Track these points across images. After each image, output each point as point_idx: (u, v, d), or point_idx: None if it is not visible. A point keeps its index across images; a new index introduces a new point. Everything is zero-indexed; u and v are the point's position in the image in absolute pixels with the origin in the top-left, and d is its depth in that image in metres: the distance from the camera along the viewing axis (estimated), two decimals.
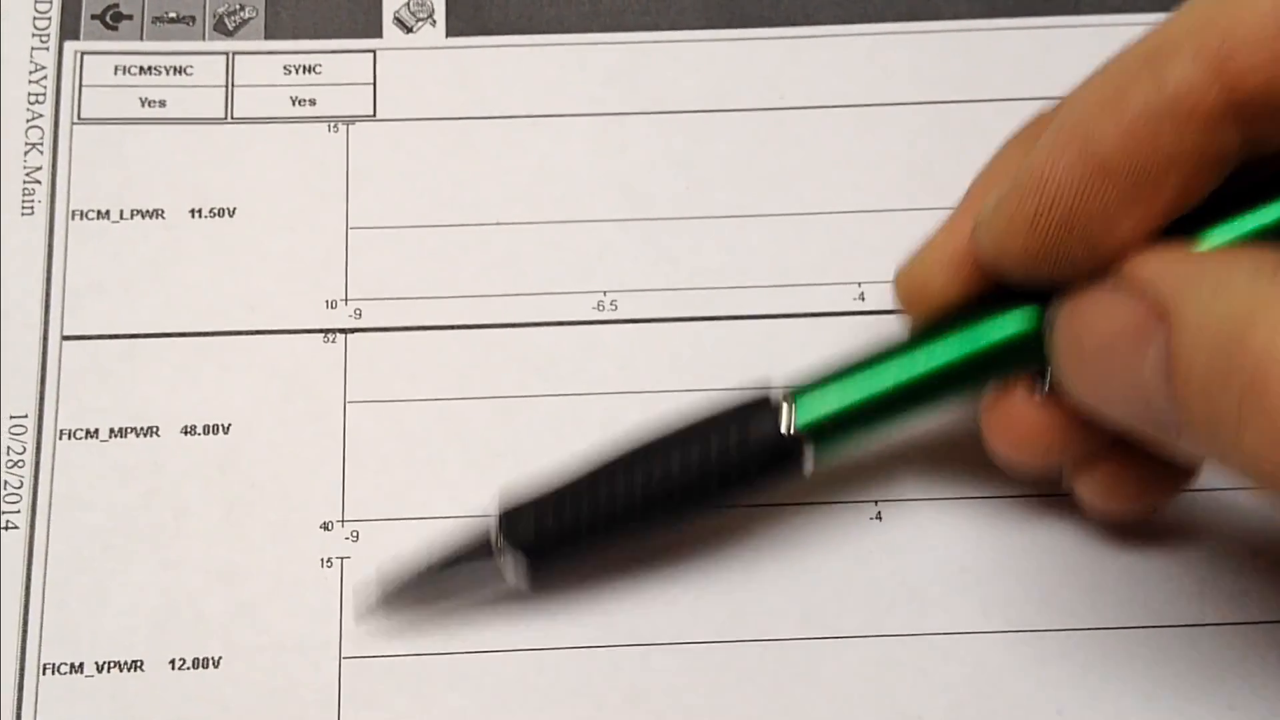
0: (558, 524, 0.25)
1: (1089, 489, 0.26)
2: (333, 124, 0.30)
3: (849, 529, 0.27)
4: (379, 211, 0.29)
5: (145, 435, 0.27)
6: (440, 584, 0.26)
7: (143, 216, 0.29)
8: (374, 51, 0.30)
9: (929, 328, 0.25)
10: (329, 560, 0.27)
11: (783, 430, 0.24)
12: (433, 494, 0.27)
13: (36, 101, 0.30)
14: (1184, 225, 0.23)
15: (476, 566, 0.25)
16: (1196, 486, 0.27)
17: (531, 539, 0.25)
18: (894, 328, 0.28)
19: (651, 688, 0.26)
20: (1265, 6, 0.21)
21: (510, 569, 0.25)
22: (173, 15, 0.30)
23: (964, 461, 0.28)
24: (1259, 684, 0.26)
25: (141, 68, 0.30)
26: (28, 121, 0.29)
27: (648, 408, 0.28)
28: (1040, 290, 0.24)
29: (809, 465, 0.25)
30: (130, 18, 0.30)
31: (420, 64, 0.30)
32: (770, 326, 0.29)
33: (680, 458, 0.25)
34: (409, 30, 0.31)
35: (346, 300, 0.28)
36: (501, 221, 0.29)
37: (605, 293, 0.29)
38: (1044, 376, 0.25)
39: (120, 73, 0.30)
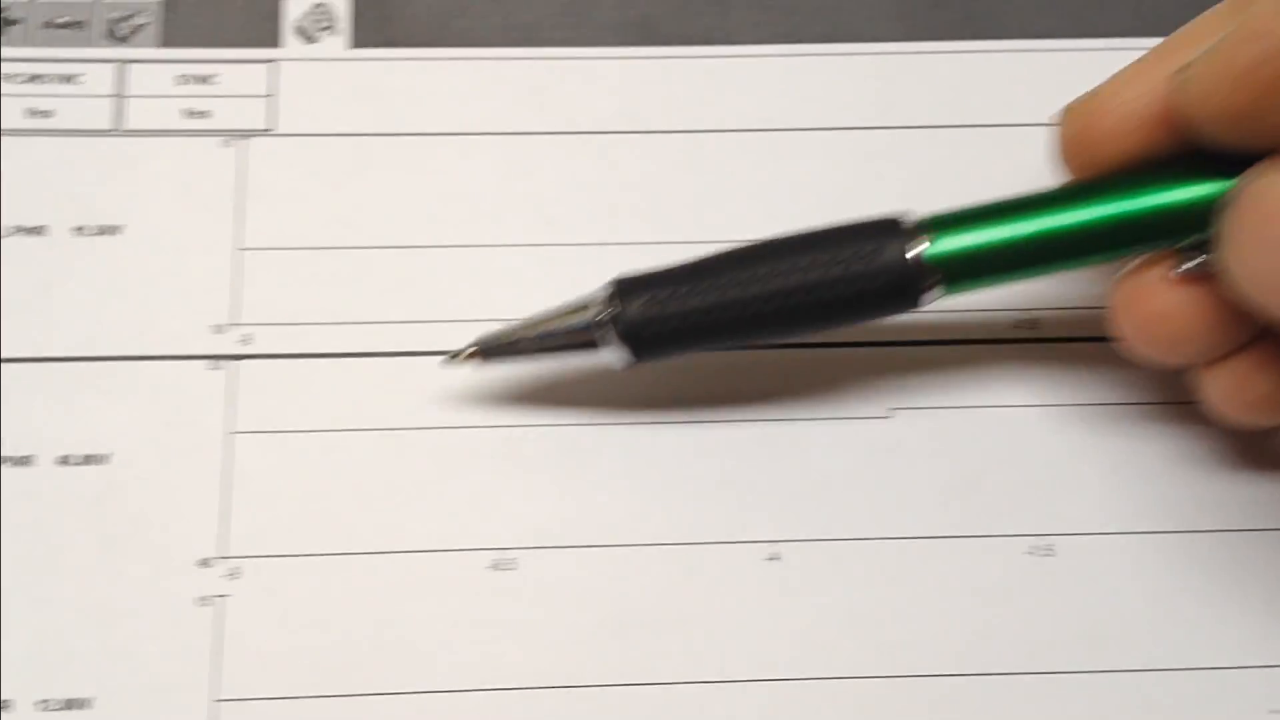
0: (664, 307, 0.25)
1: (1216, 388, 0.25)
2: (228, 138, 0.29)
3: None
4: (275, 231, 0.28)
5: (19, 465, 0.26)
6: (540, 345, 0.26)
7: (24, 233, 0.28)
8: (273, 62, 0.29)
9: (1085, 180, 0.24)
10: (206, 599, 0.26)
11: (909, 257, 0.24)
12: (321, 530, 0.26)
13: None
14: None
15: (579, 336, 0.25)
16: None
17: (637, 318, 0.25)
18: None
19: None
20: None
21: (611, 345, 0.25)
22: (63, 20, 0.29)
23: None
24: None
25: (30, 75, 0.29)
26: None
27: (548, 440, 0.27)
28: (1228, 158, 0.22)
29: (930, 299, 0.24)
30: (18, 22, 0.29)
31: (322, 76, 0.29)
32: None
33: (801, 263, 0.24)
34: (311, 40, 0.29)
35: (236, 325, 0.27)
36: (403, 244, 0.28)
37: (511, 321, 0.28)
38: (1194, 255, 0.23)
39: (7, 81, 0.29)
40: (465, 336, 0.27)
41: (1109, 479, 0.27)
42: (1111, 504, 0.27)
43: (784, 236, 0.25)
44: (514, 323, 0.26)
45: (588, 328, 0.25)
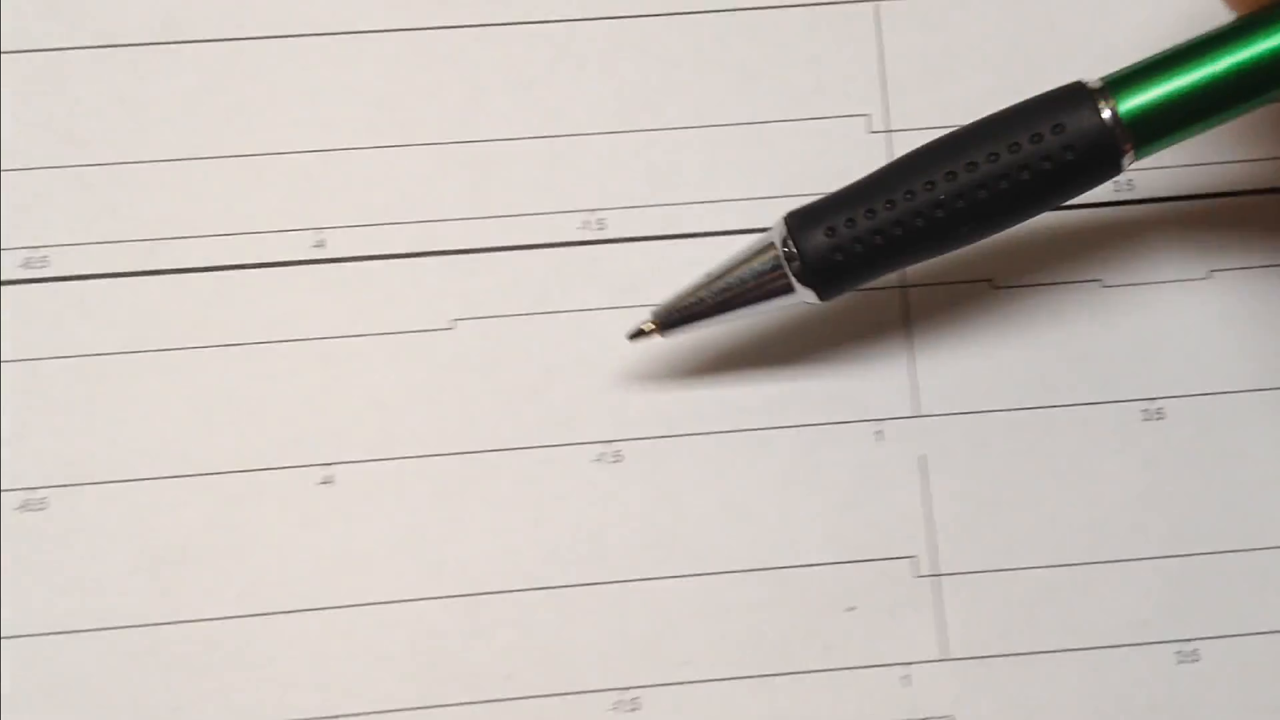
0: (849, 229, 0.23)
1: None
2: None
3: None
4: None
5: None
6: (722, 303, 0.24)
7: None
8: None
9: (1258, 11, 0.23)
10: None
11: (1105, 119, 0.23)
12: None
13: None
14: None
15: (763, 281, 0.24)
16: None
17: (821, 247, 0.23)
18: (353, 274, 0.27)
19: None
20: None
21: (798, 282, 0.24)
22: None
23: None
24: None
25: None
26: None
27: (77, 370, 0.25)
28: None
29: (1129, 161, 0.23)
30: None
31: None
32: (219, 280, 0.26)
33: (988, 151, 0.23)
34: None
35: None
36: None
37: (36, 248, 0.26)
38: None
39: None
40: None
41: (676, 381, 0.27)
42: (679, 406, 0.26)
43: (955, 133, 0.24)
44: (687, 286, 0.25)
45: (774, 271, 0.24)
